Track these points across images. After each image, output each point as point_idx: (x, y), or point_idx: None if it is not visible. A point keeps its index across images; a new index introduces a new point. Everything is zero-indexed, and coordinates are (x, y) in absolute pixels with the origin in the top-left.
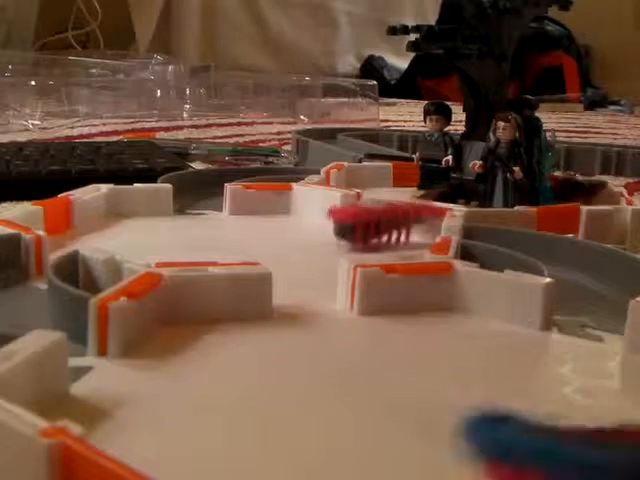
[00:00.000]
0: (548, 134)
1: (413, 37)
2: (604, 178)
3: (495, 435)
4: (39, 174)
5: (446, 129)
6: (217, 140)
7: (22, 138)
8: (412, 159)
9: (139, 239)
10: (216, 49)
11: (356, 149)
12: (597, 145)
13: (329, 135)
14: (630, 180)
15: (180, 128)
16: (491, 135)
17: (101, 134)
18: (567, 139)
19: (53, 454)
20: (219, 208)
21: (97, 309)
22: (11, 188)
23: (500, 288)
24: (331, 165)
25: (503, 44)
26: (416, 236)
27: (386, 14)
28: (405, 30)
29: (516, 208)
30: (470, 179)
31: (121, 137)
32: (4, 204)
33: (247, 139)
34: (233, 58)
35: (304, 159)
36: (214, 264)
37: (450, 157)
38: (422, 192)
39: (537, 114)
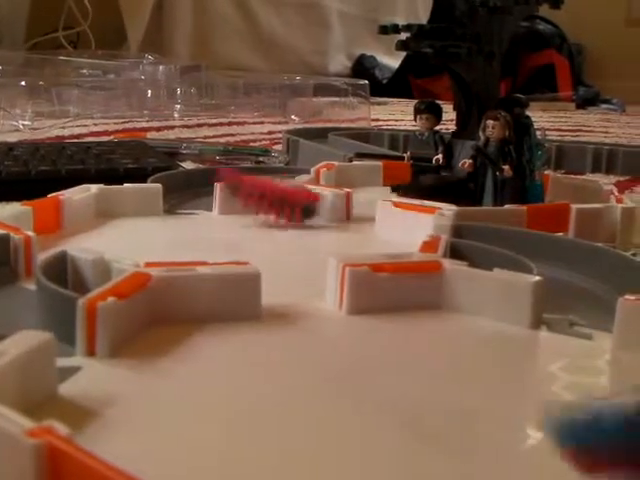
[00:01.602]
0: (538, 132)
1: (404, 36)
2: (595, 176)
3: (573, 427)
4: (29, 174)
5: (437, 128)
6: (208, 140)
7: (12, 138)
8: (403, 158)
9: (128, 239)
10: (207, 49)
11: (347, 148)
12: (588, 143)
13: (320, 134)
14: (621, 178)
15: (171, 128)
16: (481, 134)
17: (92, 134)
18: (559, 137)
19: (40, 454)
20: (209, 208)
21: (85, 309)
22: (0, 188)
23: (489, 286)
24: (321, 164)
25: (494, 43)
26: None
27: (378, 13)
28: (396, 29)
29: (505, 206)
30: (460, 177)
31: (112, 137)
32: None
33: (238, 139)
34: (224, 58)
35: (295, 159)
36: (203, 264)
37: (440, 155)
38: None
39: (529, 113)
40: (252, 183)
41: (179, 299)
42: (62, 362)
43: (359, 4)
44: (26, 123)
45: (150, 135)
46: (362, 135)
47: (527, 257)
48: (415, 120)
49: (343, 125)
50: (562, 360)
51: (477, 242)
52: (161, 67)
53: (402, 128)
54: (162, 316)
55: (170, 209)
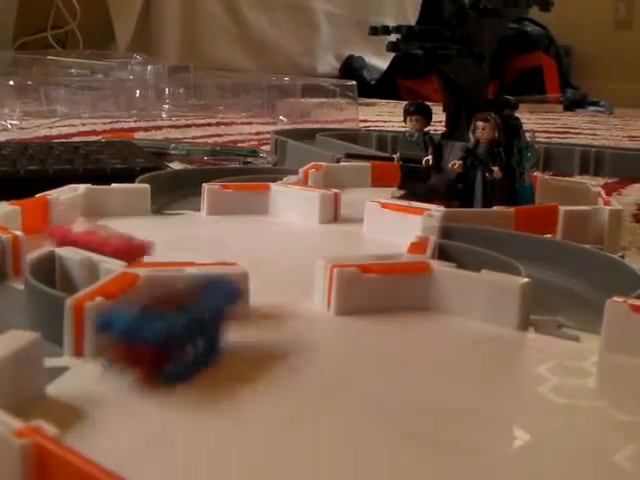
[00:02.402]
0: (527, 134)
1: (394, 37)
2: (583, 178)
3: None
4: (17, 174)
5: (426, 129)
6: (196, 140)
7: (0, 138)
8: (391, 159)
9: None
10: (196, 49)
11: (335, 149)
12: (576, 145)
13: (308, 135)
14: (609, 180)
15: (159, 128)
16: (470, 135)
17: (80, 134)
18: (547, 139)
19: (27, 454)
20: (197, 208)
21: (73, 309)
22: None
23: (477, 288)
24: (309, 165)
25: (483, 44)
26: None
27: (366, 14)
28: (386, 30)
29: (494, 208)
30: (450, 179)
31: (100, 137)
32: None
33: (226, 139)
34: (213, 58)
35: (283, 159)
36: (191, 264)
37: (430, 157)
38: (402, 191)
39: (516, 114)
40: (84, 240)
41: None
42: (50, 362)
43: (347, 5)
44: (14, 123)
45: (138, 135)
46: (350, 136)
47: (515, 259)
48: (405, 121)
49: (331, 126)
50: (550, 361)
51: (465, 243)
52: (149, 67)
53: (390, 129)
54: None
55: (158, 209)
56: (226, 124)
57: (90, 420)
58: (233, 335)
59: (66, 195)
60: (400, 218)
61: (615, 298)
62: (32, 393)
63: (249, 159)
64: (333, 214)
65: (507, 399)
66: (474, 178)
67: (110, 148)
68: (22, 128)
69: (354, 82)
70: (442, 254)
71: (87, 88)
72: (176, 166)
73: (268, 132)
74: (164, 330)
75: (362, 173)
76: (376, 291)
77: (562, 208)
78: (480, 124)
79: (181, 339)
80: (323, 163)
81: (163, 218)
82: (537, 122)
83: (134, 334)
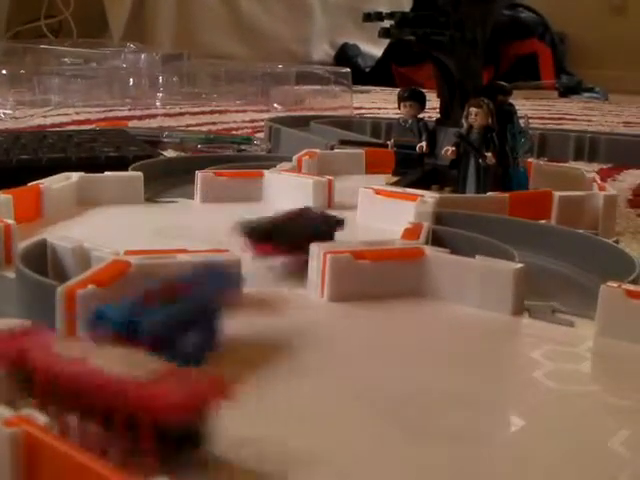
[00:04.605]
0: (522, 120)
1: (388, 24)
2: (577, 164)
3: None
4: (10, 163)
5: (420, 116)
6: (190, 128)
7: None
8: (385, 145)
9: (109, 227)
10: (190, 37)
11: (329, 136)
12: (571, 131)
13: (302, 123)
14: (603, 166)
15: (153, 116)
16: (463, 121)
17: (73, 123)
18: (542, 125)
19: (17, 443)
20: (190, 196)
21: (65, 297)
22: None
23: (471, 273)
24: (302, 152)
25: (477, 31)
26: None
27: (360, 2)
28: (380, 17)
29: (488, 194)
30: (444, 165)
31: (94, 126)
32: None
33: (220, 127)
34: (207, 46)
35: (277, 146)
36: (183, 252)
37: (424, 143)
38: (396, 178)
39: (511, 101)
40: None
41: None
42: None
43: None
44: (7, 112)
45: (132, 124)
46: (344, 123)
47: (509, 244)
48: (399, 107)
49: (325, 113)
50: (544, 347)
51: (459, 229)
52: (143, 55)
53: (384, 116)
54: None
55: (151, 197)
56: (220, 112)
57: None
58: (226, 322)
59: (59, 184)
60: (394, 204)
61: (609, 283)
62: None
63: (243, 147)
64: (327, 201)
65: (501, 385)
66: (467, 164)
67: (103, 136)
68: (15, 117)
69: (348, 69)
70: (436, 240)
71: (81, 77)
72: (170, 154)
73: (262, 120)
74: (160, 321)
75: (356, 160)
76: (369, 277)
77: (556, 193)
78: (473, 110)
79: (177, 330)
80: (317, 150)
81: (156, 206)
82: (532, 108)
83: (130, 327)
